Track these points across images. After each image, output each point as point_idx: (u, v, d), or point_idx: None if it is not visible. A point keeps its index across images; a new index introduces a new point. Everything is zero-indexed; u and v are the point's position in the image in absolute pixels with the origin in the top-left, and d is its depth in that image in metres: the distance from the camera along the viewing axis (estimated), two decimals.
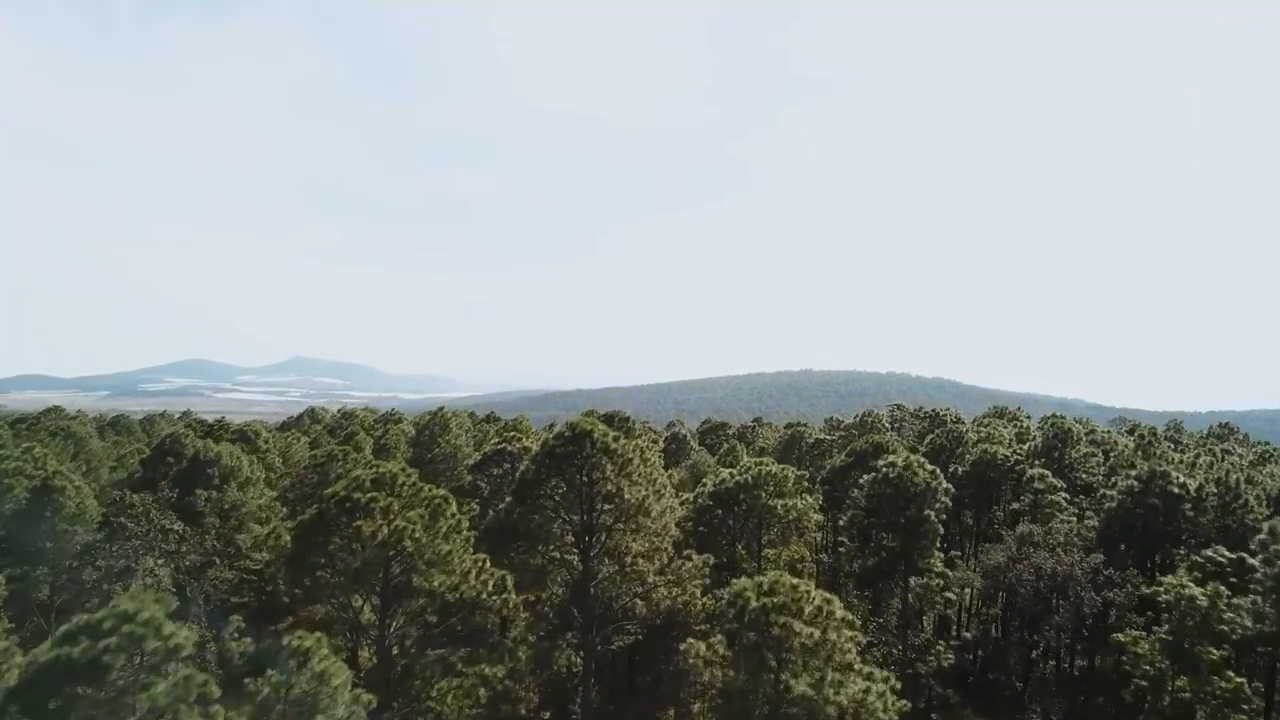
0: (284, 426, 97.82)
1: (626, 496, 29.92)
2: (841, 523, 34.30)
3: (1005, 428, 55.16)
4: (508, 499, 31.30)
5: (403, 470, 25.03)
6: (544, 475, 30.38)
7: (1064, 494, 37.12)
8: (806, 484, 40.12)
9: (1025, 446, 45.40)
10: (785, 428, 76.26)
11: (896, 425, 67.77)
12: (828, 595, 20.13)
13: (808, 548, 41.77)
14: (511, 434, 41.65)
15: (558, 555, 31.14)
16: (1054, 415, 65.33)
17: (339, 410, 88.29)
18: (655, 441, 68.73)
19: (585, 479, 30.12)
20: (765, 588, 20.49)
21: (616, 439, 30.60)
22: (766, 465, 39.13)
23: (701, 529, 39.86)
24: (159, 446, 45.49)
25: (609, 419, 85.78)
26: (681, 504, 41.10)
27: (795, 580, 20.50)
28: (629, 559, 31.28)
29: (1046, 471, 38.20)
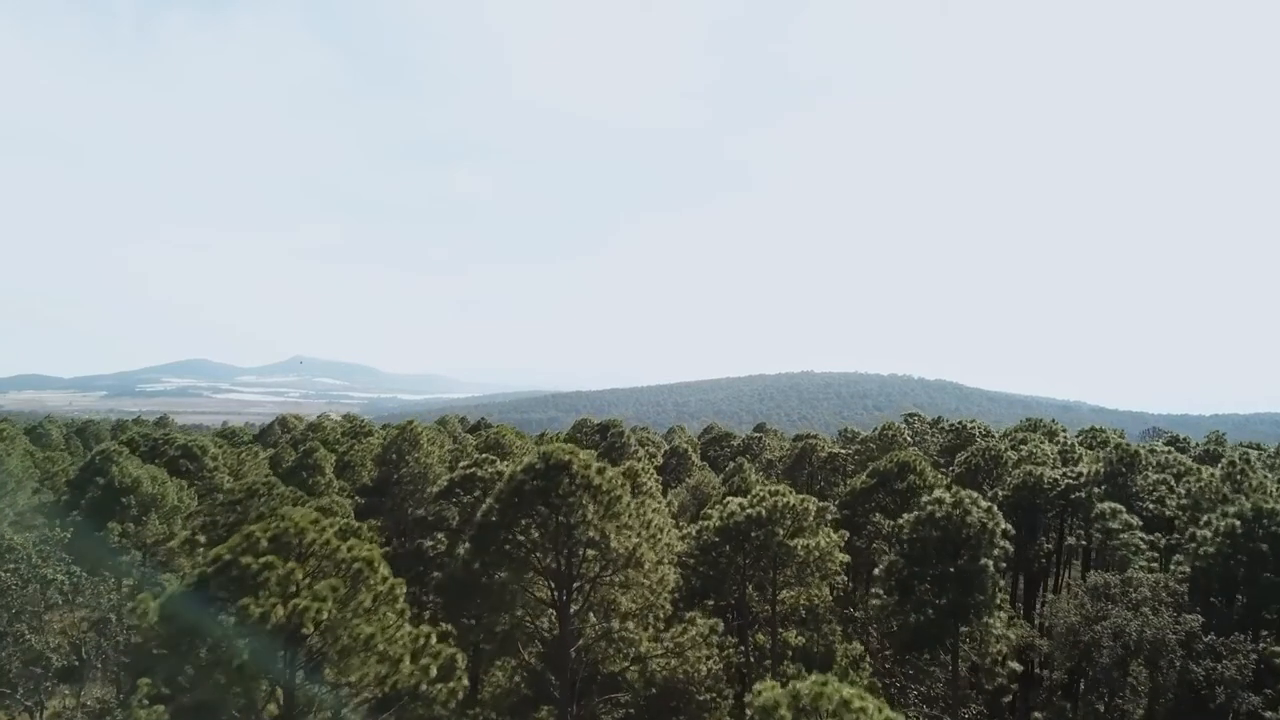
0: (261, 435, 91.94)
1: (613, 544, 24.00)
2: (877, 571, 28.26)
3: (1045, 444, 49.28)
4: (464, 545, 25.34)
5: (314, 523, 19.01)
6: (510, 517, 24.47)
7: (1141, 533, 31.19)
8: (830, 516, 34.30)
9: (1079, 470, 39.54)
10: (794, 440, 70.28)
11: (918, 439, 61.83)
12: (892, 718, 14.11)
13: (830, 588, 35.92)
14: (485, 456, 35.69)
15: (529, 619, 25.20)
16: (1095, 428, 59.56)
17: (317, 418, 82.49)
18: (653, 456, 62.86)
19: (562, 521, 24.23)
20: (805, 699, 14.51)
21: (601, 470, 24.66)
22: (783, 496, 33.14)
23: (706, 570, 33.93)
24: (88, 466, 39.61)
25: (604, 428, 79.85)
26: (683, 538, 35.21)
27: (846, 692, 14.50)
28: (617, 620, 25.36)
29: (1119, 505, 32.28)
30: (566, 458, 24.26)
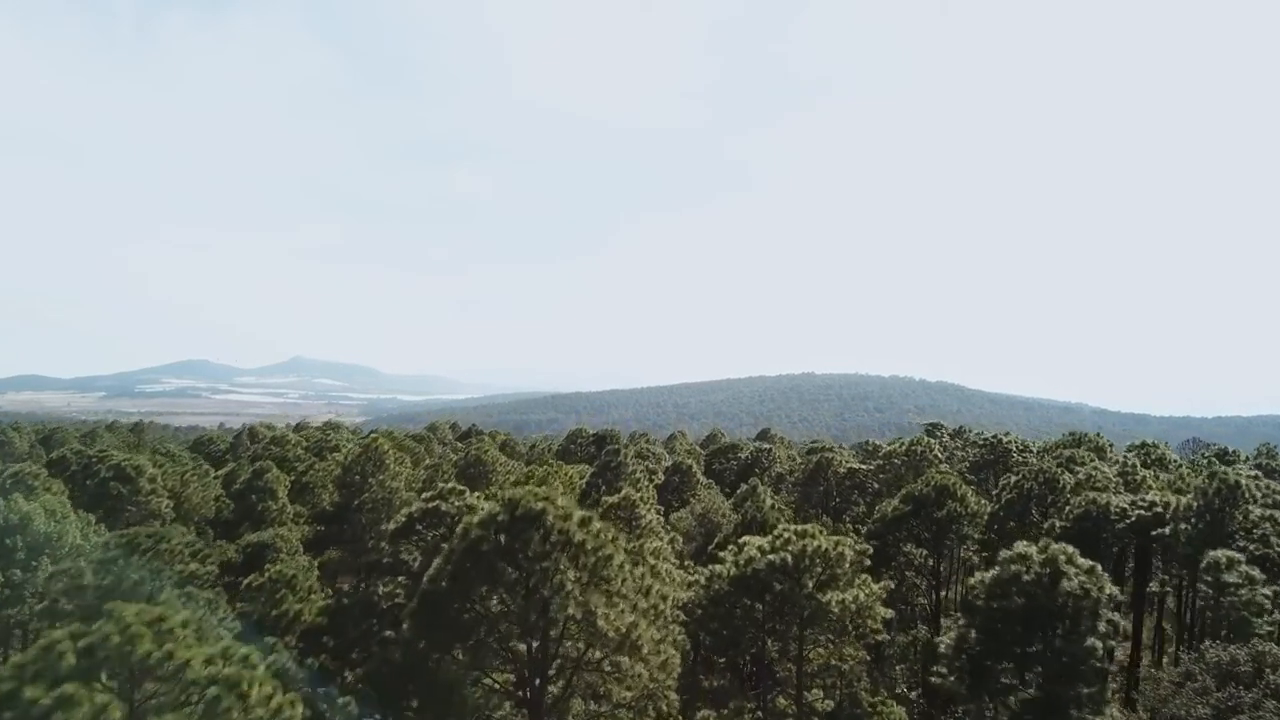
0: (234, 444, 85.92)
1: (601, 623, 17.99)
2: (942, 649, 22.15)
3: (1097, 462, 43.28)
4: (405, 624, 19.30)
5: (157, 625, 12.86)
6: (465, 584, 18.48)
7: (1264, 590, 25.05)
8: (868, 560, 28.36)
9: (1152, 499, 33.57)
10: (808, 453, 64.28)
11: (948, 454, 55.82)
12: None
13: (868, 649, 29.96)
14: (452, 487, 29.64)
15: (491, 717, 19.13)
16: (1147, 443, 53.56)
17: (284, 428, 76.42)
18: (653, 474, 56.76)
19: (535, 589, 18.26)
20: None
21: (585, 522, 18.65)
22: (812, 538, 27.13)
23: (718, 626, 27.95)
24: None
25: (600, 439, 73.87)
26: (689, 584, 29.20)
27: None
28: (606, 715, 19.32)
29: (1237, 555, 26.16)
30: (539, 507, 18.24)
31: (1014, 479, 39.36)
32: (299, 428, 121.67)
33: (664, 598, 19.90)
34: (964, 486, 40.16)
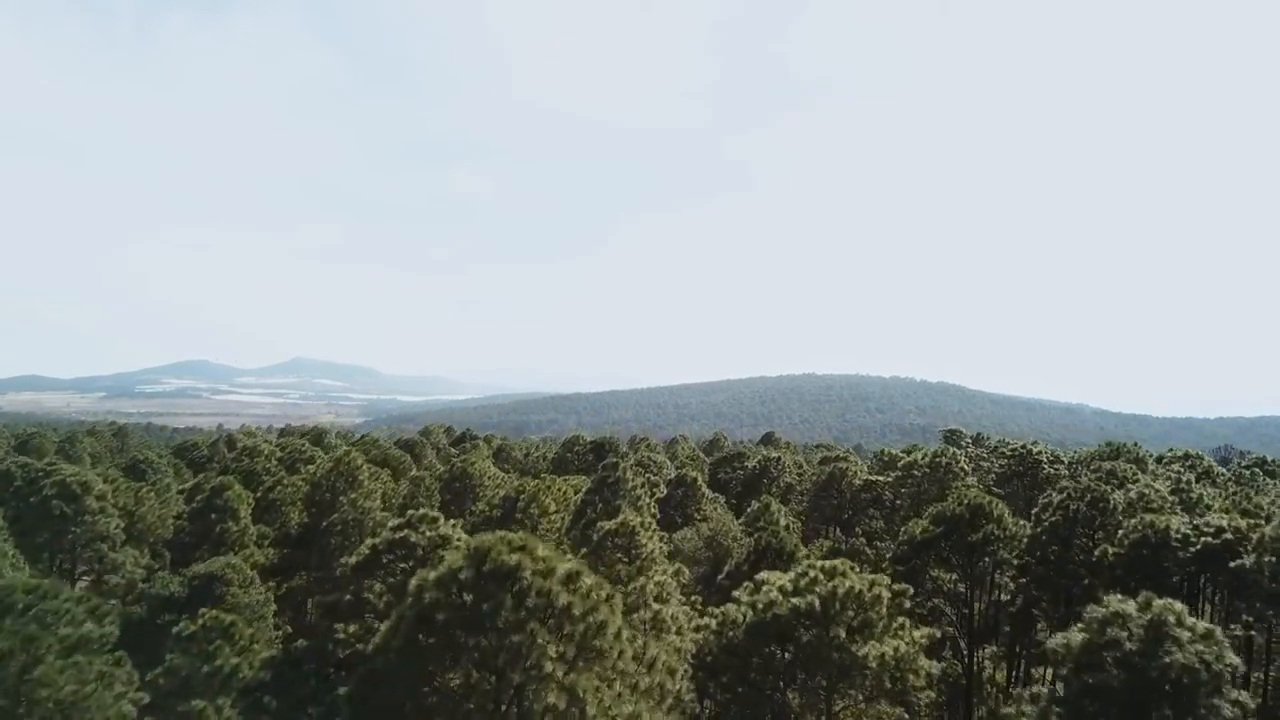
0: (210, 453, 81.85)
1: (593, 711, 13.92)
2: None
3: (1151, 480, 39.24)
4: (344, 707, 15.22)
5: None
6: (418, 657, 14.47)
7: None
8: (909, 601, 24.29)
9: (1217, 522, 29.61)
10: (820, 462, 60.21)
11: (973, 465, 51.74)
12: None
13: (909, 710, 25.87)
14: (423, 514, 25.56)
15: None
16: (1192, 454, 49.52)
17: (256, 436, 72.39)
18: (655, 487, 52.71)
19: (506, 665, 14.25)
20: None
21: (571, 579, 14.58)
22: (844, 578, 23.08)
23: (731, 680, 23.89)
24: None
25: (599, 447, 69.66)
26: (698, 627, 25.19)
27: None
28: None
29: None
30: (512, 561, 14.19)
31: (1056, 498, 35.26)
32: (284, 433, 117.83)
33: (672, 671, 15.85)
34: (1000, 506, 36.12)
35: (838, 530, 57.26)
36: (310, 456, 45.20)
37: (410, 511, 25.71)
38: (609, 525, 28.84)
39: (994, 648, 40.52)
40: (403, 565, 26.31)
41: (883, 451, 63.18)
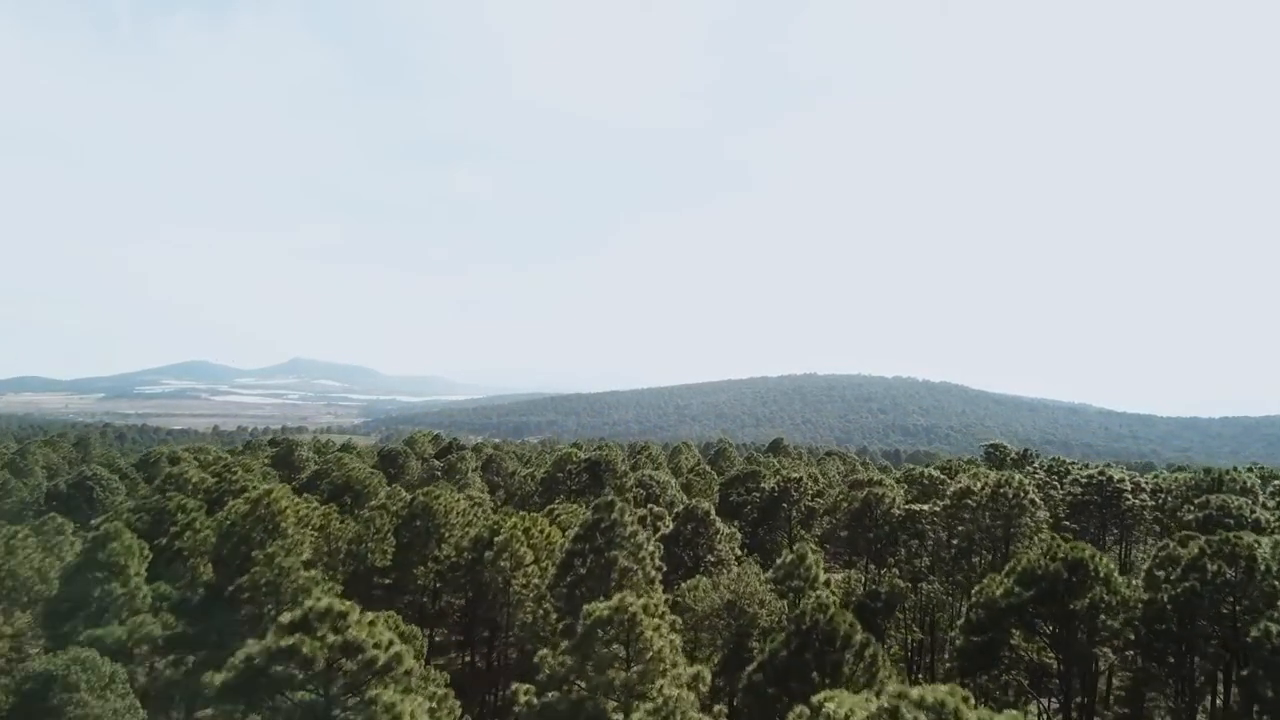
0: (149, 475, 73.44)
1: None
2: None
3: (1267, 512, 31.17)
4: None
5: None
6: None
7: None
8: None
9: None
10: (850, 487, 51.95)
11: (1042, 489, 43.42)
12: None
13: None
14: (325, 610, 17.38)
15: None
16: None
17: (186, 456, 64.31)
18: (659, 520, 44.48)
19: None
20: None
21: None
22: (952, 712, 14.93)
23: None
24: None
25: (593, 466, 61.69)
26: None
27: None
28: None
29: None
30: None
31: (1184, 554, 27.05)
32: (272, 442, 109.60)
33: None
34: (1105, 562, 27.99)
35: (870, 564, 49.30)
36: (242, 487, 36.94)
37: (308, 604, 17.56)
38: (600, 610, 20.71)
39: None
40: (288, 695, 18.12)
41: (922, 473, 54.87)
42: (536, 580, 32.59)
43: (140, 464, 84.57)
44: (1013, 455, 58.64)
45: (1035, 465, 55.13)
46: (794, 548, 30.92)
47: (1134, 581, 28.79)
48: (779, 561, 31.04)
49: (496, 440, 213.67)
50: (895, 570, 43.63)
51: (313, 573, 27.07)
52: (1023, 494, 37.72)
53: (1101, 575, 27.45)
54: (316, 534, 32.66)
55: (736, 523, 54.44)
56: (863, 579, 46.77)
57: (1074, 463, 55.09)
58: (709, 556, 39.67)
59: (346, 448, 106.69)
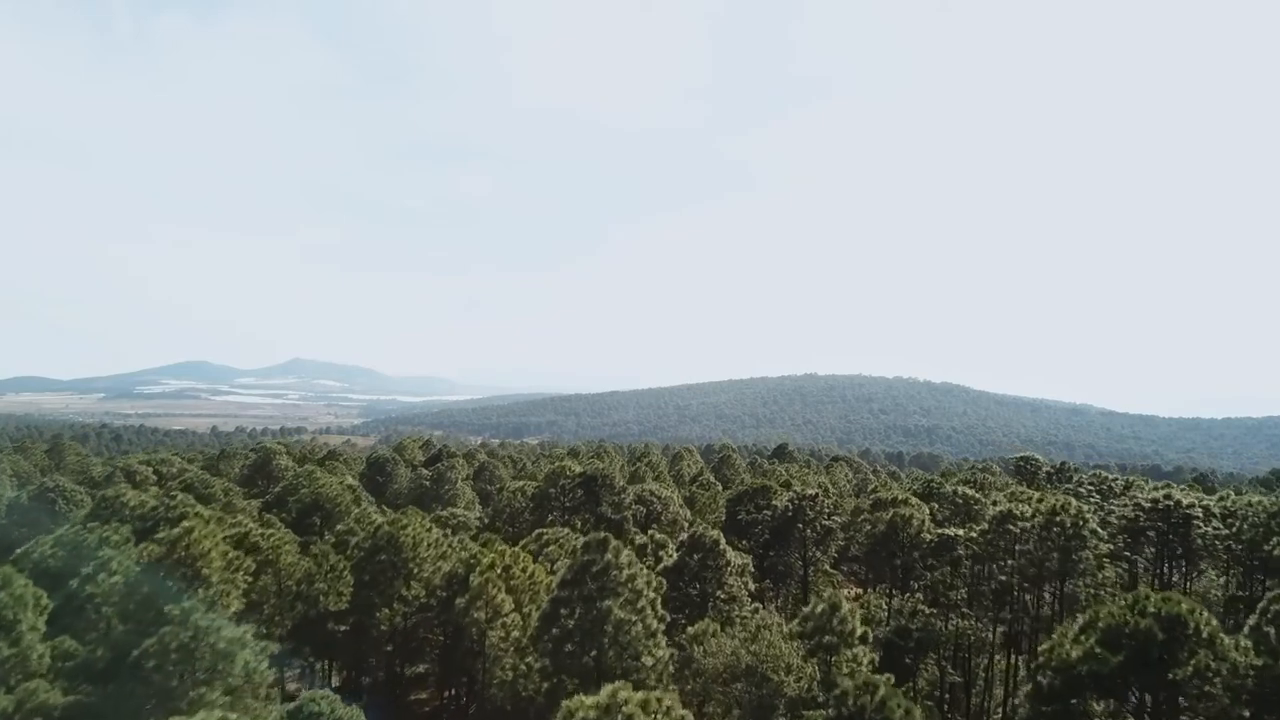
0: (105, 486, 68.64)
1: None
2: None
3: None
4: None
5: None
6: None
7: None
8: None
9: None
10: (873, 510, 46.76)
11: (1099, 511, 38.29)
12: None
13: None
14: None
15: None
16: None
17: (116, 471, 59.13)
18: (662, 548, 39.42)
19: None
20: None
21: None
22: None
23: None
24: None
25: (589, 481, 56.62)
26: None
27: None
28: None
29: None
30: None
31: None
32: (255, 449, 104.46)
33: None
34: (1208, 619, 22.93)
35: (894, 591, 44.29)
36: (181, 514, 31.46)
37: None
38: (584, 710, 15.59)
39: None
40: None
41: (932, 481, 49.49)
42: (517, 633, 27.56)
43: (108, 479, 79.09)
44: (1047, 468, 53.53)
45: (1075, 482, 49.89)
46: (825, 596, 25.83)
47: (1242, 642, 23.76)
48: (806, 611, 25.97)
49: (494, 443, 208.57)
50: (924, 604, 38.69)
51: (242, 631, 22.06)
52: (1081, 523, 32.57)
53: (1205, 635, 22.40)
54: (255, 577, 27.46)
55: (745, 543, 49.45)
56: (885, 606, 41.97)
57: (1115, 477, 49.93)
58: (719, 593, 34.65)
59: (332, 455, 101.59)
